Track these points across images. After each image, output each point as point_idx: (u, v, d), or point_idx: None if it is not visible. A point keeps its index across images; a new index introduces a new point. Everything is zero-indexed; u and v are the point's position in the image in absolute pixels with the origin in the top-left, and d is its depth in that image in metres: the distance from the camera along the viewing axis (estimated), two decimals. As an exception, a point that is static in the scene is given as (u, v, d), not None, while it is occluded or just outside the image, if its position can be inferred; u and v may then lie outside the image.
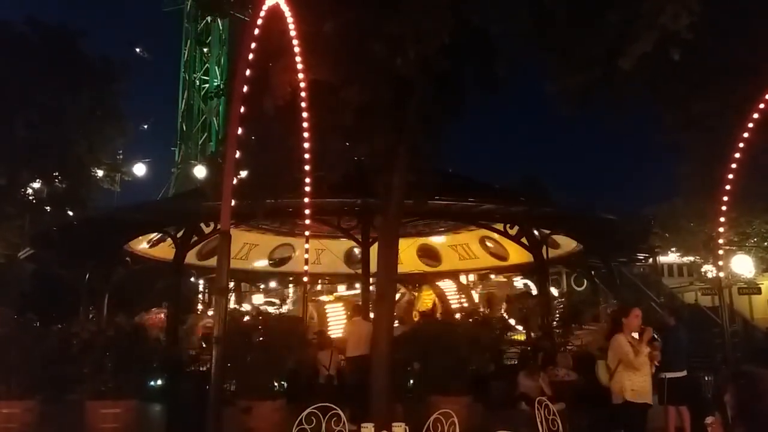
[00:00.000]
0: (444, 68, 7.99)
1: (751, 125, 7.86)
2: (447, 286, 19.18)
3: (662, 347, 9.04)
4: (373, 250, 12.27)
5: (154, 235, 16.98)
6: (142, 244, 17.69)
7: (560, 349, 13.21)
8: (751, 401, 9.22)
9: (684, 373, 9.01)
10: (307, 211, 9.03)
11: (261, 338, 9.09)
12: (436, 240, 20.76)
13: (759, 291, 21.54)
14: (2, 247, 19.72)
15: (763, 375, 9.50)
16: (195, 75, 45.78)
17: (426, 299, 18.56)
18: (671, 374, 8.90)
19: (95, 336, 8.95)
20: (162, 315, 16.99)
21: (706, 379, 10.75)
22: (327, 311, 17.12)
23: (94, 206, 20.72)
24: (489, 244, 20.08)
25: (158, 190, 36.74)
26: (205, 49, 46.03)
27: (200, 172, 26.46)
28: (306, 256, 9.66)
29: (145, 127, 23.14)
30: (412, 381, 9.91)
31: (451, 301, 18.12)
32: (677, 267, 32.40)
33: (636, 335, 6.91)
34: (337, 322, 16.37)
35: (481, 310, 17.69)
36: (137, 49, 21.30)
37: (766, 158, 9.19)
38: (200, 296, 26.17)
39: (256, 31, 6.91)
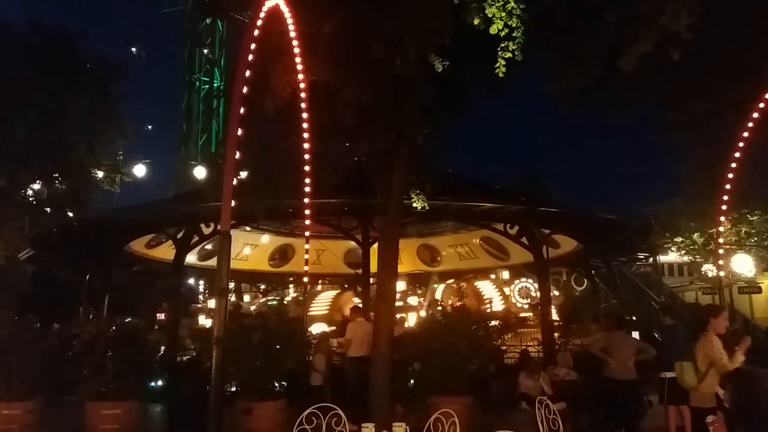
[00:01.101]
0: (444, 68, 7.99)
1: (751, 125, 7.87)
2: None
3: (662, 347, 9.08)
4: (374, 250, 12.27)
5: (154, 236, 16.99)
6: (141, 245, 17.70)
7: (560, 349, 13.23)
8: (751, 400, 9.23)
9: None
10: (307, 212, 9.05)
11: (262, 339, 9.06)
12: (436, 240, 20.77)
13: (759, 290, 21.55)
14: (2, 249, 19.71)
15: (763, 374, 9.50)
16: (195, 76, 45.78)
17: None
18: (671, 374, 8.91)
19: (95, 337, 8.94)
20: None
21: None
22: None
23: (94, 207, 20.72)
24: (489, 243, 20.08)
25: (159, 191, 36.72)
26: (205, 50, 46.01)
27: (200, 172, 26.47)
28: (306, 256, 9.68)
29: (150, 128, 23.02)
30: (412, 381, 9.91)
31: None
32: (677, 266, 32.43)
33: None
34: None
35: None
36: (132, 49, 21.17)
37: (765, 158, 9.20)
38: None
39: (256, 32, 6.91)
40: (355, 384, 9.97)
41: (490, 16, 6.57)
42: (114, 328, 10.01)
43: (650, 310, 24.10)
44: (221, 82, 44.61)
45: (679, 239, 18.78)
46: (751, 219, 17.34)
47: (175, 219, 14.88)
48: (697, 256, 20.20)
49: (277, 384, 8.60)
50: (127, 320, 16.64)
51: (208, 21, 42.77)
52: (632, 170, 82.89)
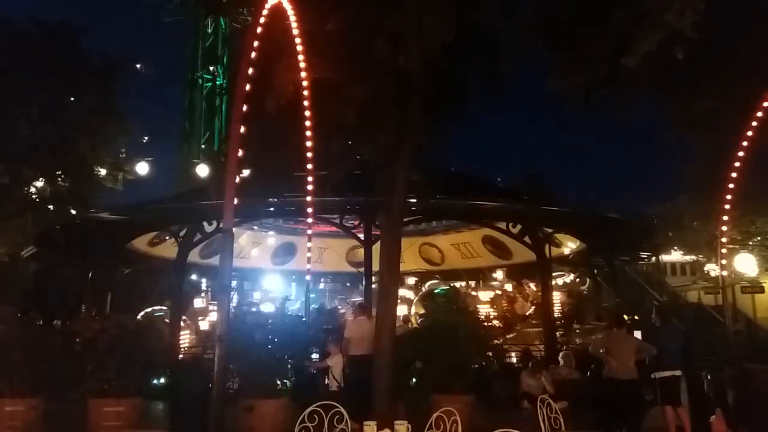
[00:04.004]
0: (447, 66, 7.98)
1: (755, 124, 7.85)
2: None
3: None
4: (376, 248, 12.26)
5: (157, 234, 17.00)
6: (144, 243, 17.71)
7: (563, 348, 13.23)
8: (752, 399, 9.22)
9: (675, 372, 9.02)
10: (309, 210, 9.05)
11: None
12: (439, 238, 20.76)
13: (762, 290, 21.46)
14: (5, 246, 19.75)
15: (765, 373, 9.50)
16: (197, 74, 45.71)
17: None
18: (660, 374, 8.97)
19: (98, 334, 8.95)
20: None
21: (709, 378, 10.74)
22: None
23: (96, 205, 20.72)
24: (491, 243, 20.05)
25: (161, 189, 36.68)
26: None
27: (203, 170, 26.43)
28: (309, 254, 9.69)
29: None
30: (414, 379, 9.91)
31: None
32: (680, 266, 32.35)
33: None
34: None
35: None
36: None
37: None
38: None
39: (259, 30, 6.91)
40: (356, 382, 9.95)
41: None
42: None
43: (653, 309, 24.00)
44: (224, 80, 44.52)
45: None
46: (754, 219, 17.32)
47: (177, 217, 14.89)
48: (700, 255, 20.16)
49: (279, 382, 8.61)
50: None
51: (211, 18, 42.68)
52: (636, 169, 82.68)
